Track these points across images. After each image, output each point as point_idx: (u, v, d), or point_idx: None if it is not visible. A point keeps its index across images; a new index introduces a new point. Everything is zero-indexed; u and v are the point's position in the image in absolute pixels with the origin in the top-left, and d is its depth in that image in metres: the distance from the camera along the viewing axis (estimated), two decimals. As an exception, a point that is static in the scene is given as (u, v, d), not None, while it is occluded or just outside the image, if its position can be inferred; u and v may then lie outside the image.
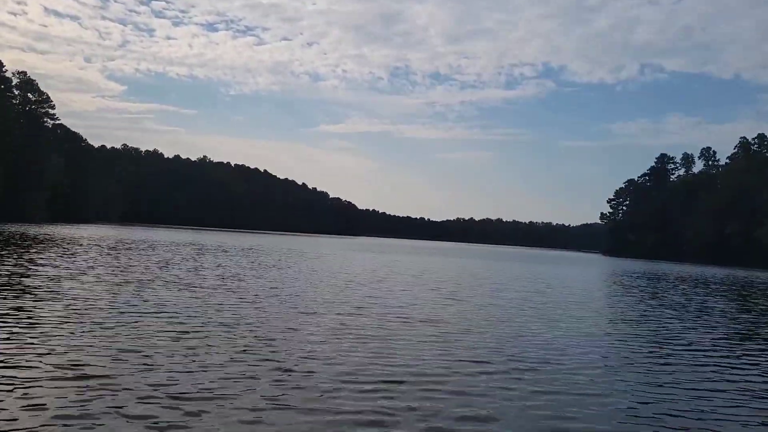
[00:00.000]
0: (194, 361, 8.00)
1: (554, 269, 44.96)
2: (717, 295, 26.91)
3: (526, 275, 33.79)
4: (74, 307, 11.50)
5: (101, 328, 9.78)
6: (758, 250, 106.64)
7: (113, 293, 13.61)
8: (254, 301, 13.96)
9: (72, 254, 25.11)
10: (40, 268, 18.14)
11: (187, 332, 9.89)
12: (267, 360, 8.30)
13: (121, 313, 11.36)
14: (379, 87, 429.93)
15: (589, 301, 19.17)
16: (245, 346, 9.16)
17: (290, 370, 7.78)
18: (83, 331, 9.35)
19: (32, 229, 51.47)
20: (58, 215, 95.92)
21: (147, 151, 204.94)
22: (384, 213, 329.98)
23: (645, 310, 17.92)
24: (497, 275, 31.35)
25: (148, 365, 7.58)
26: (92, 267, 20.05)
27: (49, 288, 14.03)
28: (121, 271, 19.31)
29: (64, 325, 9.73)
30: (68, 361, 7.55)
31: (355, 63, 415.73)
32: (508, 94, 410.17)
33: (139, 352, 8.30)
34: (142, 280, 17.32)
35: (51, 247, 28.23)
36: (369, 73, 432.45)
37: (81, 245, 32.25)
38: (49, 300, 12.26)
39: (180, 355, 8.24)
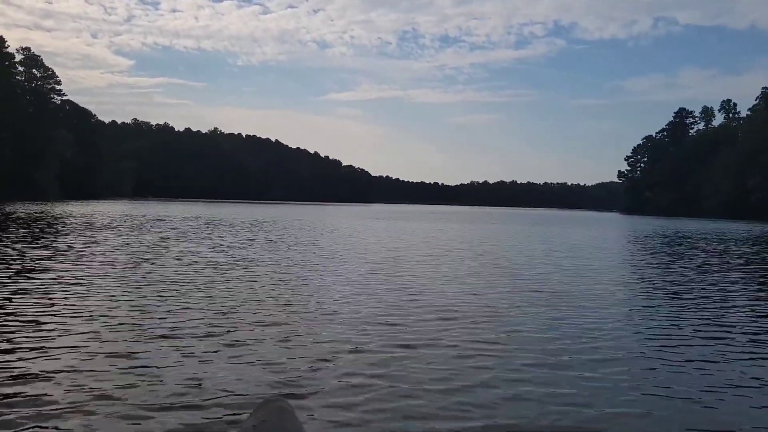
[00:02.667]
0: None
1: (570, 232, 43.57)
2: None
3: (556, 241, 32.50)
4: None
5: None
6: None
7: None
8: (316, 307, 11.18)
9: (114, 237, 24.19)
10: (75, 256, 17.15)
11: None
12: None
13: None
14: (387, 52, 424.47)
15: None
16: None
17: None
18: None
19: (48, 208, 50.71)
20: (69, 192, 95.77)
21: (158, 124, 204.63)
22: (398, 179, 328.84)
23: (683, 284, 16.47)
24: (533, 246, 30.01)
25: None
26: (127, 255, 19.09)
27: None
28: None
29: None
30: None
31: (362, 28, 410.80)
32: (518, 54, 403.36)
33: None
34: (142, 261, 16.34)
35: (76, 228, 27.21)
36: (377, 38, 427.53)
37: (109, 226, 31.49)
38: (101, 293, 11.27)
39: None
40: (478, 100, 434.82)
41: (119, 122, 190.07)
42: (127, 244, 19.77)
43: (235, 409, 4.88)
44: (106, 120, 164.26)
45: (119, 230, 26.52)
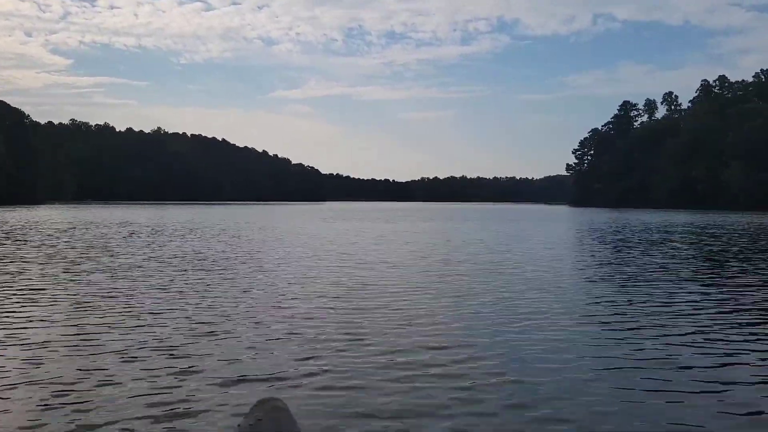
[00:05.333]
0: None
1: (519, 227, 43.19)
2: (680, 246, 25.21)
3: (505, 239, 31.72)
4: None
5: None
6: (724, 193, 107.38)
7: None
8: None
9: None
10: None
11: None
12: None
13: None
14: (334, 49, 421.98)
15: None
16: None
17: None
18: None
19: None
20: (4, 198, 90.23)
21: (97, 125, 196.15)
22: (348, 177, 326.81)
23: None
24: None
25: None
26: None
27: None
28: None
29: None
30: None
31: (308, 25, 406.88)
32: (465, 50, 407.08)
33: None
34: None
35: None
36: (323, 35, 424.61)
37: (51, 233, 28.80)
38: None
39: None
40: (426, 96, 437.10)
41: (56, 123, 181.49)
42: None
43: (228, 412, 4.78)
44: (43, 121, 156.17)
45: None
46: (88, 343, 6.98)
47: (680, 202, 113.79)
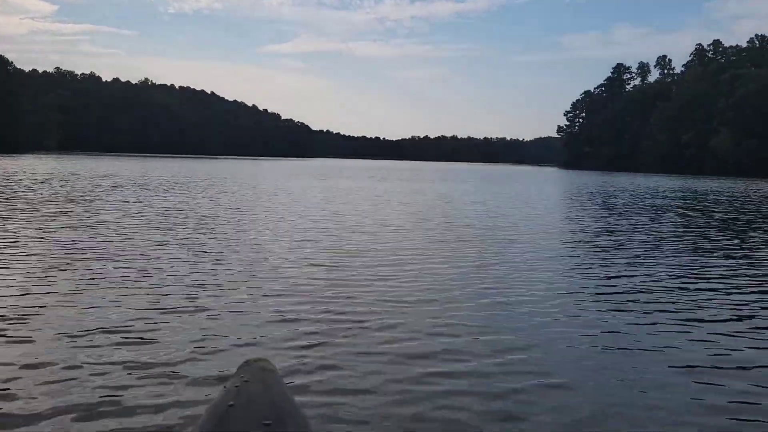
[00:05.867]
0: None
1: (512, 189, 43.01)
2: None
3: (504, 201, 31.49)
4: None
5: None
6: (712, 159, 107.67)
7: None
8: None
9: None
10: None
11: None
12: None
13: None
14: (326, 2, 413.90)
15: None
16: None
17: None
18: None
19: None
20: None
21: (83, 74, 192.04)
22: (338, 133, 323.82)
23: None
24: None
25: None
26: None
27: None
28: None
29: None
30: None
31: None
32: (459, 7, 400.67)
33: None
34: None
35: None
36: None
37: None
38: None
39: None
40: (419, 54, 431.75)
41: (41, 71, 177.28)
42: None
43: (213, 373, 4.70)
44: (27, 69, 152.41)
45: None
46: (50, 309, 6.51)
47: (669, 167, 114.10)
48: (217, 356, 5.16)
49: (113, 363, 4.92)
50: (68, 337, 5.55)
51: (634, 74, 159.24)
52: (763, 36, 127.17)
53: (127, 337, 5.59)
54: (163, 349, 5.30)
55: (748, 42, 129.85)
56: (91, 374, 4.68)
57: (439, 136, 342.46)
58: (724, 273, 10.01)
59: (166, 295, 7.27)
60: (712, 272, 10.07)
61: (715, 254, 12.24)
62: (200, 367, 4.91)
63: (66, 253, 9.80)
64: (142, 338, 5.60)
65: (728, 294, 8.38)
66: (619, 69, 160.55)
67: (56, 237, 11.55)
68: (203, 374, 4.74)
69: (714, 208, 26.16)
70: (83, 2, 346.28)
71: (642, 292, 8.28)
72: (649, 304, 7.56)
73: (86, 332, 5.69)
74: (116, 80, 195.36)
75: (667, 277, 9.50)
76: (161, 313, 6.45)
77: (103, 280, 7.97)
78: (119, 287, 7.57)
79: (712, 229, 17.15)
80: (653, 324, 6.65)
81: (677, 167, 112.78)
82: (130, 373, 4.72)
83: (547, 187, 45.82)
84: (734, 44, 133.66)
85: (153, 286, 7.67)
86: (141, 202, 19.75)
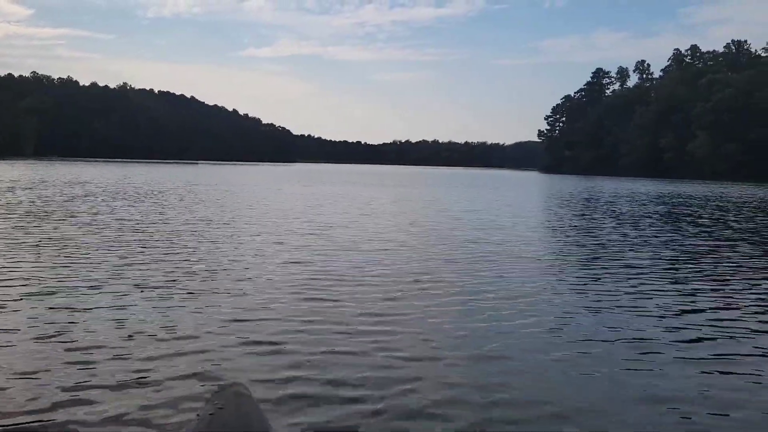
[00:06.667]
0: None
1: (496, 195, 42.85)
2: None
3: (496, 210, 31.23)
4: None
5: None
6: (690, 163, 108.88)
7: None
8: None
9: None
10: None
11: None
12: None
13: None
14: (306, 7, 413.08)
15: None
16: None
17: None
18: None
19: None
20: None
21: (60, 78, 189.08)
22: (320, 138, 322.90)
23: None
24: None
25: None
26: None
27: None
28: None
29: None
30: None
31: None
32: (439, 12, 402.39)
33: None
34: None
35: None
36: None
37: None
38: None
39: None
40: (399, 58, 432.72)
41: (17, 75, 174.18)
42: None
43: (188, 399, 4.38)
44: (2, 73, 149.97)
45: None
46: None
47: (647, 172, 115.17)
48: (191, 379, 4.85)
49: (82, 385, 4.65)
50: (32, 359, 5.22)
51: (613, 79, 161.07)
52: (739, 42, 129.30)
53: (96, 360, 5.26)
54: (134, 371, 4.98)
55: (724, 47, 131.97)
56: (58, 395, 4.42)
57: (420, 141, 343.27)
58: (704, 276, 10.08)
59: (134, 314, 6.79)
60: (688, 273, 10.20)
61: (692, 255, 12.31)
62: (174, 389, 4.61)
63: (22, 273, 8.92)
64: (112, 356, 5.30)
65: (713, 291, 8.49)
66: (599, 74, 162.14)
67: (8, 254, 10.40)
68: (176, 395, 4.46)
69: (690, 212, 26.34)
70: (60, 6, 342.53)
71: (627, 293, 8.37)
72: (634, 302, 7.88)
73: (51, 354, 5.37)
74: (94, 84, 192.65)
75: (650, 272, 9.88)
76: (132, 333, 6.07)
77: (69, 297, 7.54)
78: (85, 307, 7.13)
79: (689, 236, 17.18)
80: (638, 322, 6.99)
81: (656, 171, 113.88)
82: (100, 398, 4.44)
83: (531, 191, 45.74)
84: (711, 49, 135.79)
85: (123, 306, 7.26)
86: (113, 213, 19.01)
